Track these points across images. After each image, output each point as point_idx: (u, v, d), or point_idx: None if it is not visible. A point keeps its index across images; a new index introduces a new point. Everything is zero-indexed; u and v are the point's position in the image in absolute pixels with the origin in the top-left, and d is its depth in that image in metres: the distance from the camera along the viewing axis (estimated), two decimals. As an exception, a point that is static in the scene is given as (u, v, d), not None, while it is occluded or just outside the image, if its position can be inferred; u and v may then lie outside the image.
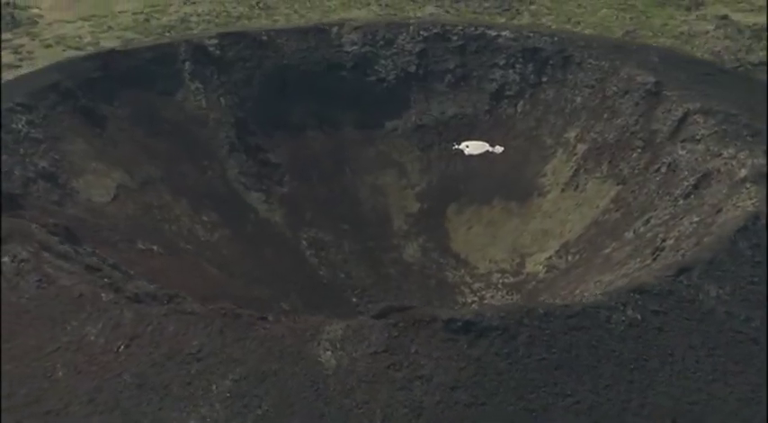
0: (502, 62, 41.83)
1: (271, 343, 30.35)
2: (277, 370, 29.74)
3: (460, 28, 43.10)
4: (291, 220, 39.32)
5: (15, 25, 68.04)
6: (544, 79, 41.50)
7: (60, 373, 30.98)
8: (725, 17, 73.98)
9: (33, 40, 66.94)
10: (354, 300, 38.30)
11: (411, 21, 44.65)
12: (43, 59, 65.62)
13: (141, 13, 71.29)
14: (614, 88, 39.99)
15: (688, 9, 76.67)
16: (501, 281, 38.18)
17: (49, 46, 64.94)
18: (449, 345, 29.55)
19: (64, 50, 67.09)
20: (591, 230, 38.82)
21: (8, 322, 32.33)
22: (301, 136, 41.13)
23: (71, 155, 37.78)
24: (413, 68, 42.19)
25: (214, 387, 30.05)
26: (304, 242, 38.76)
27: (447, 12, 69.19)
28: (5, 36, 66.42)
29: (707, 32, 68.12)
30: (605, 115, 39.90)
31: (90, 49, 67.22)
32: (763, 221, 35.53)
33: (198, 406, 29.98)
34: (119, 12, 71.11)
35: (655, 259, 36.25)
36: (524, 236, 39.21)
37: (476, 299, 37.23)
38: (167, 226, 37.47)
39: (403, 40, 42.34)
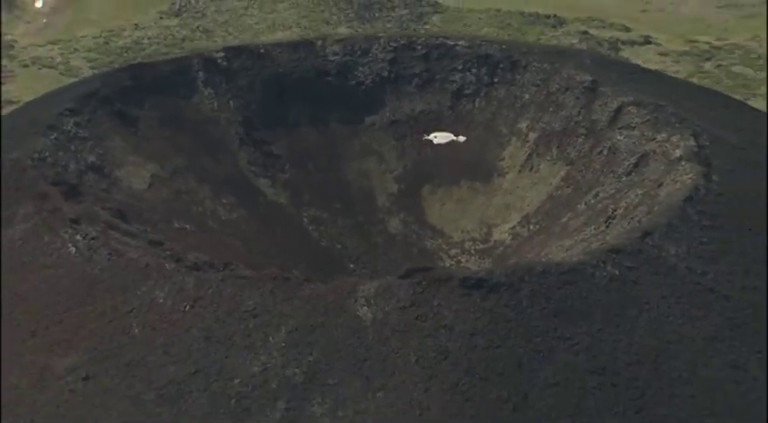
0: (460, 67, 44.75)
1: (315, 301, 33.32)
2: (323, 322, 33.01)
3: (423, 39, 45.84)
4: (294, 201, 42.02)
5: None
6: (496, 80, 44.64)
7: (136, 331, 33.72)
8: (585, 32, 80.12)
9: (12, 61, 69.77)
10: (351, 266, 41.41)
11: (381, 35, 46.93)
12: (23, 76, 68.89)
13: (100, 37, 73.36)
14: (557, 86, 43.16)
15: (554, 26, 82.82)
16: (473, 247, 41.31)
17: (26, 65, 67.79)
18: (465, 299, 32.62)
19: (39, 69, 70.19)
20: (547, 204, 41.96)
21: (84, 290, 35.21)
22: (297, 131, 43.72)
23: (113, 150, 40.47)
24: (385, 73, 45.01)
25: (271, 338, 33.08)
26: (305, 219, 41.66)
27: (356, 31, 73.85)
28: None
29: (572, 44, 73.51)
30: (551, 108, 43.15)
31: (61, 68, 70.13)
32: (704, 191, 38.33)
33: (258, 354, 32.95)
34: (80, 36, 73.49)
35: (608, 226, 38.97)
36: (489, 210, 42.27)
37: (453, 263, 40.33)
38: (195, 208, 40.25)
39: (376, 50, 45.00)
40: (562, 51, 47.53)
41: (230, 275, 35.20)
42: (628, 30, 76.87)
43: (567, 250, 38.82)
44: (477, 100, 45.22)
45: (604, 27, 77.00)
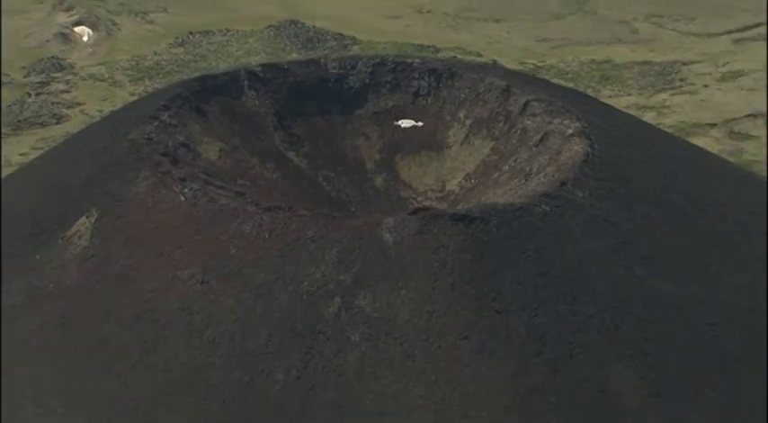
0: (416, 76, 45.34)
1: (354, 230, 34.55)
2: (360, 245, 33.98)
3: (391, 59, 46.51)
4: (311, 166, 43.04)
5: (62, 68, 69.08)
6: (441, 85, 45.04)
7: (233, 251, 34.71)
8: (455, 57, 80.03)
9: (74, 76, 68.50)
10: (353, 209, 42.04)
11: (362, 56, 47.69)
12: (83, 87, 67.75)
13: (131, 60, 72.88)
14: (482, 88, 43.96)
15: (433, 52, 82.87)
16: (433, 196, 42.46)
17: (84, 79, 67.12)
18: (454, 228, 33.86)
19: (93, 82, 69.32)
20: (481, 167, 42.75)
21: (193, 226, 35.75)
22: (310, 120, 44.23)
23: (193, 133, 41.22)
24: (367, 81, 45.34)
25: (326, 256, 33.88)
26: (320, 178, 42.76)
27: (304, 56, 73.80)
28: (57, 75, 67.32)
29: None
30: (479, 103, 43.85)
31: (109, 81, 69.31)
32: (591, 156, 38.94)
33: (319, 266, 33.63)
34: (118, 60, 72.56)
35: (527, 180, 39.59)
36: (442, 170, 43.28)
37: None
38: (249, 171, 41.16)
39: (360, 65, 45.64)
40: (484, 66, 48.06)
41: (294, 214, 35.92)
42: (480, 55, 77.17)
43: (499, 197, 39.33)
44: (429, 98, 45.74)
45: (468, 53, 77.09)
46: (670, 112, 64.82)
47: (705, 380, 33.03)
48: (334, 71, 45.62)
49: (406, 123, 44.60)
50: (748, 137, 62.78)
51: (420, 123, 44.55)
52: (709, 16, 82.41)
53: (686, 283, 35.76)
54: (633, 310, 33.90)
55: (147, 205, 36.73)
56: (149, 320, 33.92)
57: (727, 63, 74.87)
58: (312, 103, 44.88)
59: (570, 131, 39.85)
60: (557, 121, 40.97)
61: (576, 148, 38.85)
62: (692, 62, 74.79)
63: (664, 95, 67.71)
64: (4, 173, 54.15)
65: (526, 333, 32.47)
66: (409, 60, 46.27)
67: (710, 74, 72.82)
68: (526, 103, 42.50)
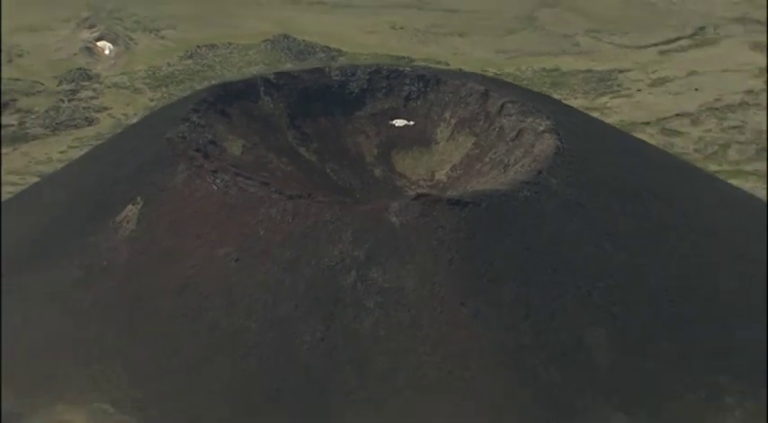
0: (407, 82, 44.89)
1: (365, 214, 34.83)
2: (371, 226, 34.20)
3: (386, 67, 46.03)
4: (320, 160, 42.60)
5: (89, 78, 68.56)
6: (428, 89, 44.56)
7: (262, 233, 34.65)
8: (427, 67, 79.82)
9: (100, 84, 68.03)
10: (357, 195, 41.66)
11: (360, 65, 47.00)
12: (109, 93, 67.24)
13: (149, 70, 72.30)
14: (464, 92, 43.62)
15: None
16: (425, 184, 42.21)
17: (109, 87, 66.62)
18: (450, 211, 34.17)
19: (118, 89, 68.75)
20: (465, 159, 42.49)
21: (225, 212, 35.55)
22: (317, 120, 43.72)
23: (219, 132, 40.74)
24: (365, 86, 44.89)
25: (342, 236, 33.95)
26: (328, 170, 42.34)
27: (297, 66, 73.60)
28: (85, 84, 66.90)
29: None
30: (462, 105, 43.48)
31: (131, 88, 68.91)
32: (561, 149, 38.76)
33: (337, 245, 33.69)
34: (137, 70, 72.01)
35: (505, 170, 39.64)
36: (432, 162, 42.91)
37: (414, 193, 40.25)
38: (268, 165, 40.79)
39: (359, 73, 45.04)
40: (465, 74, 48.24)
41: (313, 200, 35.81)
42: (447, 65, 76.90)
43: (482, 185, 39.12)
44: (419, 101, 45.24)
45: (437, 64, 76.87)
46: (611, 112, 65.45)
47: (662, 335, 33.50)
48: (337, 78, 45.18)
49: (399, 123, 44.34)
50: (677, 133, 63.62)
51: (411, 123, 44.26)
52: (639, 31, 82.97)
53: (644, 255, 36.19)
54: (602, 278, 34.39)
55: (184, 194, 36.71)
56: (192, 292, 34.03)
57: (656, 71, 75.67)
58: (318, 106, 44.50)
59: (542, 128, 39.89)
60: (529, 119, 40.93)
61: (548, 143, 38.89)
62: (627, 70, 75.41)
63: (605, 99, 68.30)
64: (48, 168, 54.38)
65: (514, 299, 32.96)
66: (401, 68, 46.07)
67: (642, 80, 73.55)
68: (502, 105, 42.36)
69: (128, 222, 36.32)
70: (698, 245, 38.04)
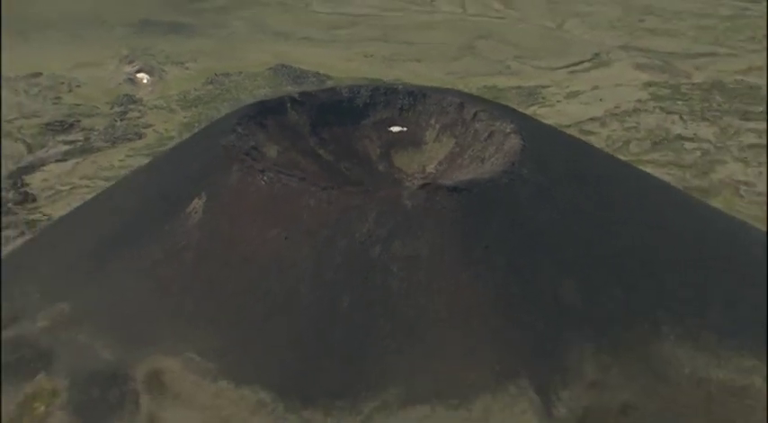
0: (400, 97, 44.01)
1: (384, 199, 34.03)
2: (388, 209, 33.43)
3: (383, 86, 45.83)
4: (336, 159, 41.46)
5: (134, 102, 67.15)
6: (417, 102, 43.81)
7: (304, 217, 33.57)
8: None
9: (143, 107, 66.64)
10: (369, 187, 39.43)
11: (362, 84, 46.07)
12: (150, 114, 65.75)
13: (180, 94, 70.63)
14: (445, 104, 42.84)
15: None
16: (418, 176, 41.27)
17: (150, 108, 65.11)
18: (450, 196, 33.62)
19: (158, 110, 67.17)
20: (448, 156, 41.76)
21: (272, 202, 34.48)
22: (332, 128, 42.82)
23: (259, 140, 39.39)
24: (368, 101, 43.93)
25: (368, 217, 33.04)
26: (343, 167, 41.31)
27: (293, 89, 72.45)
28: (131, 106, 65.55)
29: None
30: (444, 114, 42.74)
31: (168, 109, 67.13)
32: (526, 146, 37.89)
33: (364, 223, 32.73)
34: (169, 94, 70.51)
35: (482, 164, 38.99)
36: (423, 159, 42.07)
37: (410, 184, 40.43)
38: (298, 165, 39.54)
39: (363, 91, 44.22)
40: (443, 89, 47.75)
41: (343, 191, 35.01)
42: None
43: (464, 175, 38.33)
44: (410, 112, 44.34)
45: (403, 83, 76.12)
46: (541, 118, 64.68)
47: (616, 283, 33.53)
48: (346, 96, 44.29)
49: (395, 129, 43.57)
50: (591, 133, 63.87)
51: (405, 128, 43.48)
52: (552, 57, 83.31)
53: (599, 225, 36.20)
54: (570, 244, 34.25)
55: (239, 189, 35.90)
56: (251, 265, 33.38)
57: (568, 86, 75.85)
58: (332, 117, 43.52)
59: (508, 130, 39.34)
60: (497, 123, 40.35)
61: (514, 141, 38.36)
62: (547, 86, 75.48)
63: (534, 108, 68.26)
64: (112, 173, 53.17)
65: (504, 263, 32.75)
66: (395, 87, 45.50)
67: (559, 94, 73.72)
68: (475, 113, 41.79)
69: (195, 213, 35.44)
70: (636, 215, 38.16)
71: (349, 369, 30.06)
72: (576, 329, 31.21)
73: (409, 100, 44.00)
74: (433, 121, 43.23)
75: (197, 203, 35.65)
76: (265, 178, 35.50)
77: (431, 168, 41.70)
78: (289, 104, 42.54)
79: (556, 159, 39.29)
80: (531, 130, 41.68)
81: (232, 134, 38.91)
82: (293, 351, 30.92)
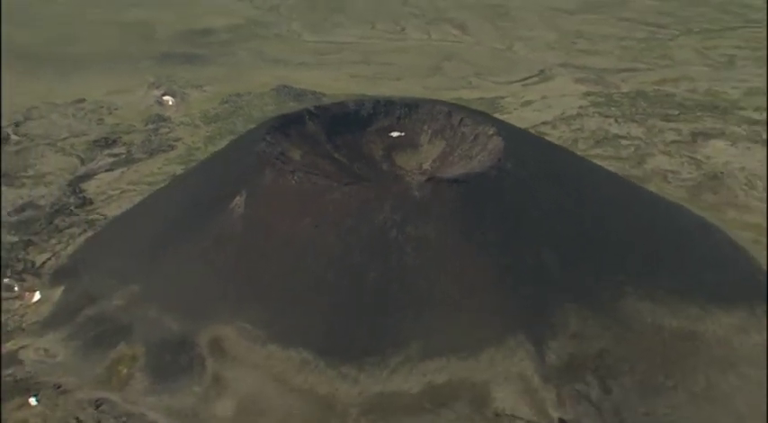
0: (398, 108, 43.67)
1: (397, 191, 34.10)
2: (402, 199, 33.37)
3: (383, 99, 44.77)
4: (349, 160, 40.91)
5: (164, 120, 65.98)
6: (412, 111, 43.45)
7: (330, 208, 33.27)
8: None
9: (172, 124, 65.58)
10: (377, 182, 40.52)
11: (365, 99, 45.61)
12: (180, 128, 64.58)
13: (201, 112, 69.28)
14: (435, 112, 42.67)
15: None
16: (417, 172, 40.82)
17: (178, 125, 64.13)
18: (451, 186, 33.74)
19: (185, 125, 66.03)
20: (440, 155, 41.56)
21: (302, 197, 34.15)
22: (343, 135, 42.21)
23: (285, 146, 38.91)
24: (371, 112, 43.54)
25: (384, 206, 32.79)
26: (354, 167, 40.72)
27: (297, 106, 71.84)
28: (162, 123, 64.50)
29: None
30: (434, 120, 42.54)
31: (192, 124, 66.02)
32: (507, 145, 37.45)
33: (382, 210, 32.41)
34: (193, 112, 69.48)
35: (470, 160, 38.68)
36: (419, 158, 41.72)
37: (410, 179, 39.72)
38: (318, 165, 38.84)
39: (366, 104, 43.95)
40: (432, 101, 46.61)
41: (362, 186, 35.58)
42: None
43: (456, 171, 38.24)
44: (407, 120, 43.89)
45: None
46: (503, 123, 65.66)
47: (587, 253, 33.99)
48: (353, 108, 43.96)
49: (395, 134, 43.25)
50: (545, 134, 63.91)
51: (403, 133, 43.13)
52: (506, 74, 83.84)
53: (571, 207, 36.42)
54: (549, 222, 34.55)
55: (273, 187, 35.85)
56: (288, 249, 33.36)
57: (522, 97, 76.05)
58: (343, 126, 43.05)
59: (491, 133, 39.33)
60: (480, 127, 40.32)
61: (496, 142, 38.38)
62: (504, 97, 75.68)
63: (497, 115, 67.83)
64: (153, 179, 52.39)
65: (499, 240, 32.96)
66: (393, 99, 44.70)
67: (515, 103, 73.90)
68: (461, 119, 41.69)
69: (238, 207, 35.26)
70: (598, 199, 38.59)
71: (376, 331, 30.24)
72: (559, 293, 31.60)
73: (405, 110, 43.79)
74: (425, 127, 43.03)
75: (238, 200, 35.44)
76: (296, 178, 35.45)
77: (426, 166, 41.48)
78: (307, 116, 42.22)
79: (531, 155, 39.48)
80: (507, 131, 41.87)
81: (263, 142, 38.67)
82: (329, 318, 31.03)
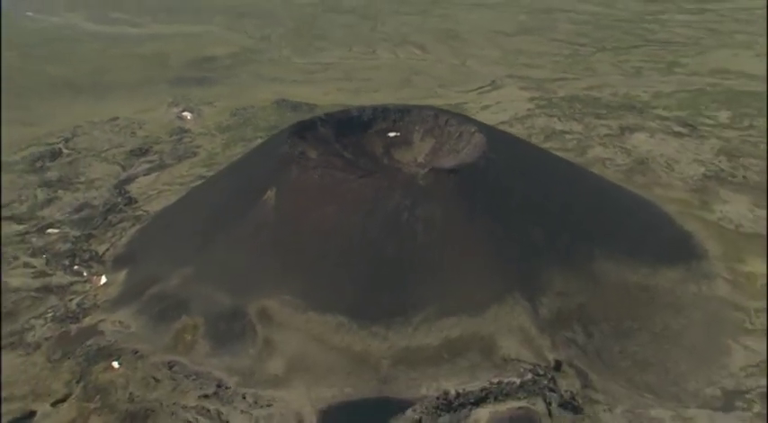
0: (392, 113, 42.42)
1: (405, 181, 33.18)
2: (410, 187, 32.35)
3: (381, 106, 43.40)
4: (355, 157, 39.45)
5: (185, 131, 63.71)
6: (405, 115, 42.27)
7: (348, 197, 32.76)
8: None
9: (192, 134, 63.43)
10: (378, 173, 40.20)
11: (367, 105, 44.01)
12: (198, 139, 62.50)
13: (215, 124, 66.42)
14: (424, 115, 41.74)
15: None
16: (413, 165, 39.68)
17: (198, 135, 62.25)
18: (450, 176, 32.94)
19: (203, 135, 64.15)
20: (431, 151, 40.46)
21: (323, 189, 33.37)
22: (349, 136, 41.06)
23: (304, 148, 37.57)
24: (371, 117, 42.31)
25: (395, 193, 32.07)
26: (361, 163, 39.11)
27: (295, 117, 70.00)
28: (184, 134, 62.41)
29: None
30: (424, 122, 41.48)
31: (210, 135, 64.16)
32: (488, 140, 36.59)
33: (393, 197, 31.62)
34: (208, 125, 66.96)
35: (458, 154, 37.77)
36: (414, 154, 40.74)
37: (408, 170, 38.39)
38: (330, 162, 36.78)
39: (366, 111, 42.79)
40: (424, 106, 45.61)
41: (375, 177, 34.55)
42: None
43: (447, 163, 37.35)
44: (401, 122, 42.77)
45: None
46: (469, 124, 64.99)
47: (566, 230, 33.73)
48: (356, 114, 42.88)
49: (392, 134, 42.35)
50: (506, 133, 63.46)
51: (398, 134, 42.27)
52: (464, 84, 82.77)
53: (551, 192, 36.08)
54: (533, 204, 34.25)
55: (299, 182, 34.94)
56: (315, 233, 32.55)
57: (481, 102, 75.70)
58: (348, 129, 41.99)
59: (473, 130, 38.82)
60: (464, 126, 39.76)
61: (479, 138, 37.86)
62: (466, 103, 75.16)
63: (462, 118, 67.75)
64: (183, 179, 50.69)
65: (493, 220, 32.60)
66: (389, 106, 43.59)
67: (476, 107, 73.43)
68: (447, 120, 41.03)
69: (270, 200, 34.29)
70: (566, 181, 38.52)
71: (398, 297, 29.72)
72: (544, 259, 31.56)
73: (399, 114, 42.95)
74: (417, 127, 42.30)
75: (270, 194, 34.46)
76: (317, 173, 34.66)
77: (420, 159, 40.87)
78: (318, 123, 41.22)
79: (505, 147, 39.30)
80: (485, 129, 41.48)
81: (285, 145, 37.74)
82: (357, 288, 30.40)
